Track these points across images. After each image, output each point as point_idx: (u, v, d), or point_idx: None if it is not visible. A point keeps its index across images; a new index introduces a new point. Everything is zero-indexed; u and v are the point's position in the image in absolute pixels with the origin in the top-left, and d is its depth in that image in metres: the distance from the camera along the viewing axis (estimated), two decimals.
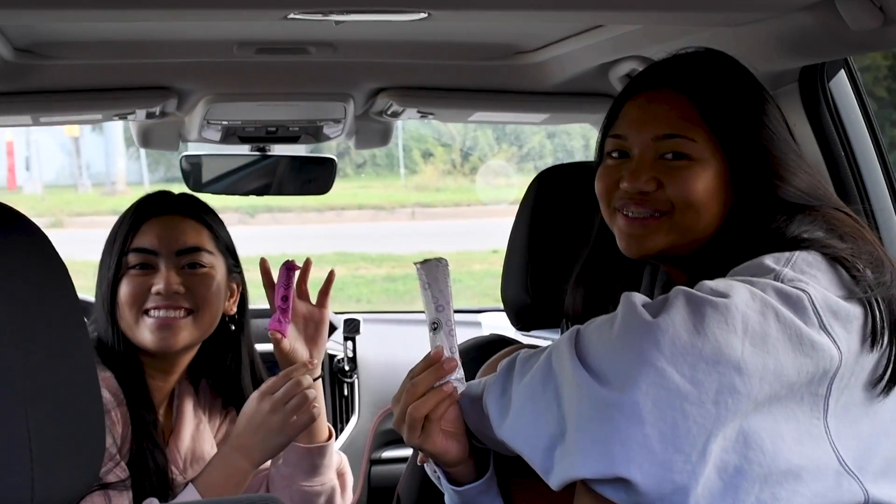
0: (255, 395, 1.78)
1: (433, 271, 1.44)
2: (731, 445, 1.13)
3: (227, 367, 1.95)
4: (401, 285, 9.83)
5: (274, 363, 1.87)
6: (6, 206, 1.01)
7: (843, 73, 1.82)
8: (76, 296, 1.03)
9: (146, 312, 1.80)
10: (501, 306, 2.03)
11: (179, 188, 2.01)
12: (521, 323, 1.98)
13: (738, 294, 1.14)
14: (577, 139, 13.11)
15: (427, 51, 2.12)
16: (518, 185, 11.84)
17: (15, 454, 0.94)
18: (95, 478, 1.08)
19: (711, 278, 1.33)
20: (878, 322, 1.21)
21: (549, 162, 12.95)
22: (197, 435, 1.91)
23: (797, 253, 1.24)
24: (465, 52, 2.13)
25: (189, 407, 1.91)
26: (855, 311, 1.20)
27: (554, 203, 1.93)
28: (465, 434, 1.43)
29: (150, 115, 2.32)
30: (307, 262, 1.93)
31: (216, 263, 1.88)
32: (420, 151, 13.02)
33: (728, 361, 1.10)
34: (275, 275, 1.86)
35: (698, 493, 1.12)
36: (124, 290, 1.81)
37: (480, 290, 9.43)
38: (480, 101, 2.34)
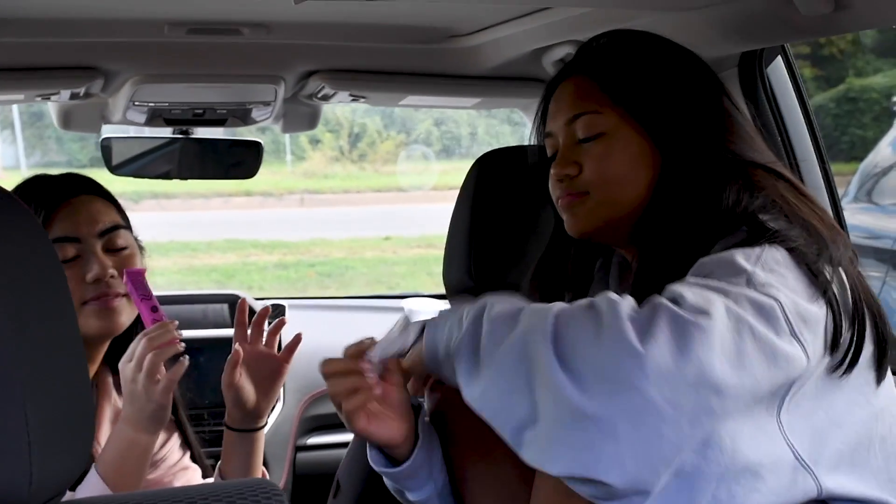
0: (120, 366, 1.67)
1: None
2: (693, 447, 1.14)
3: None
4: (293, 272, 9.75)
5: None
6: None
7: (779, 59, 1.88)
8: (66, 281, 1.00)
9: (84, 303, 1.73)
10: (395, 293, 2.04)
11: (57, 172, 1.90)
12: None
13: (718, 312, 1.14)
14: (465, 127, 13.20)
15: (361, 33, 2.10)
16: (438, 171, 11.88)
17: (13, 440, 0.91)
18: (87, 462, 1.05)
19: (658, 252, 1.38)
20: (839, 323, 1.24)
21: (437, 149, 13.01)
22: (115, 421, 1.86)
23: (765, 249, 1.25)
24: (400, 34, 2.12)
25: (107, 394, 1.86)
26: (820, 312, 1.22)
27: (494, 187, 1.94)
28: (401, 416, 1.45)
29: (73, 96, 2.24)
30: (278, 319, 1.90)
31: (131, 241, 1.83)
32: (307, 138, 12.88)
33: (708, 383, 1.11)
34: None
35: (655, 492, 1.13)
36: None
37: (374, 276, 9.44)
38: (413, 84, 2.33)
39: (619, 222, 1.45)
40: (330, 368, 1.39)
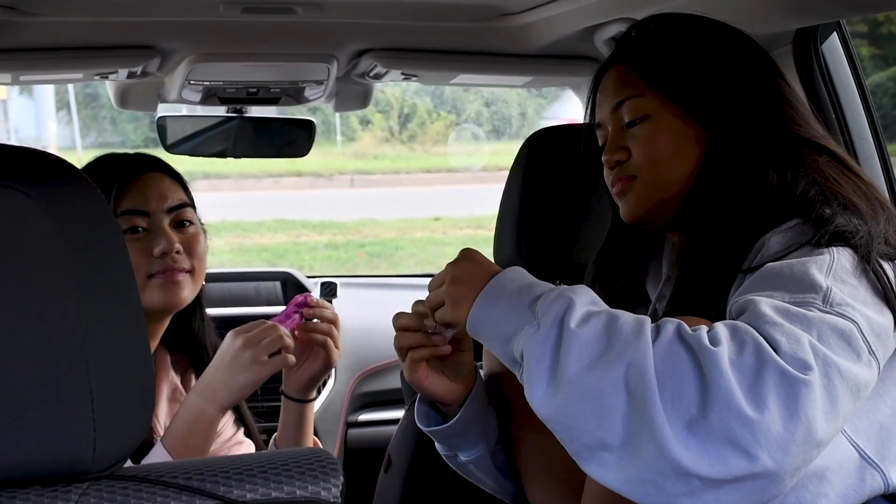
0: (230, 334, 1.70)
1: None
2: None
3: (194, 329, 1.92)
4: (343, 252, 9.80)
5: (222, 327, 1.86)
6: (60, 158, 1.00)
7: (835, 35, 1.86)
8: (126, 249, 1.03)
9: (150, 276, 1.77)
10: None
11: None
12: None
13: (813, 361, 1.10)
14: (515, 107, 13.15)
15: (413, 11, 2.11)
16: (489, 152, 11.86)
17: (77, 406, 0.94)
18: (148, 430, 1.08)
19: (703, 235, 1.38)
20: None
21: (487, 129, 12.98)
22: (174, 399, 1.89)
23: (834, 256, 1.23)
24: (452, 13, 2.13)
25: (165, 372, 1.89)
26: (889, 323, 1.21)
27: (545, 166, 1.94)
28: (460, 379, 1.47)
29: (131, 75, 2.28)
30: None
31: (196, 219, 1.86)
32: (358, 118, 12.92)
33: (813, 440, 1.09)
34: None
35: None
36: None
37: (423, 257, 9.46)
38: (464, 63, 2.34)
39: (667, 204, 1.45)
40: (400, 323, 1.42)
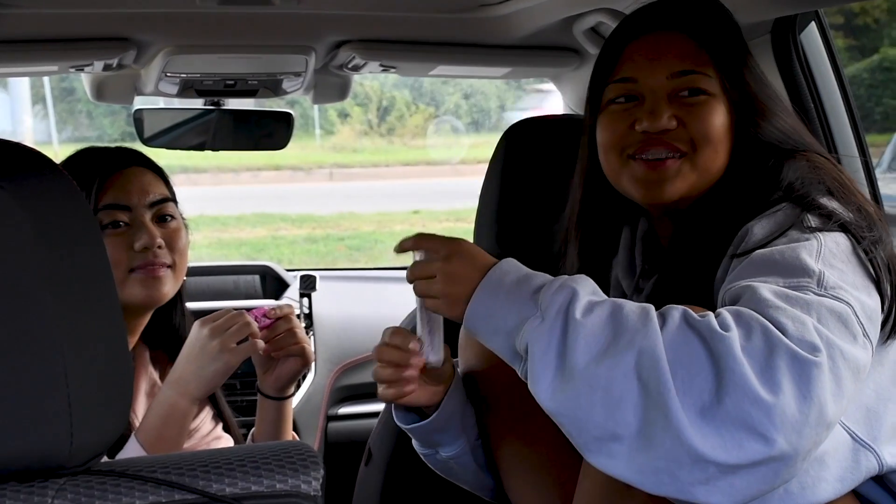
0: (196, 323, 1.70)
1: None
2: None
3: (175, 324, 1.91)
4: (322, 246, 9.78)
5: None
6: (37, 151, 0.99)
7: (813, 25, 1.86)
8: (102, 243, 1.02)
9: (131, 270, 1.76)
10: None
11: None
12: None
13: (819, 343, 1.11)
14: (493, 100, 13.15)
15: (391, 2, 2.09)
16: (468, 145, 11.83)
17: (54, 401, 0.93)
18: (125, 425, 1.07)
19: (698, 225, 1.37)
20: (892, 313, 1.25)
21: (465, 122, 12.97)
22: (153, 395, 1.88)
23: (821, 240, 1.23)
24: (430, 3, 2.12)
25: (143, 368, 1.88)
26: (877, 304, 1.22)
27: (524, 158, 1.93)
28: (439, 380, 1.47)
29: (107, 67, 2.26)
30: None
31: (178, 214, 1.85)
32: (336, 111, 12.89)
33: (825, 422, 1.09)
34: None
35: None
36: None
37: None
38: (443, 54, 2.32)
39: (696, 193, 1.41)
40: (387, 357, 1.41)
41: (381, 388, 1.43)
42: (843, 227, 1.26)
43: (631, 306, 1.16)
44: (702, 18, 1.44)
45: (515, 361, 1.22)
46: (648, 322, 1.13)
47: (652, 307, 1.16)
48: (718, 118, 1.39)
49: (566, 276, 1.22)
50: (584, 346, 1.13)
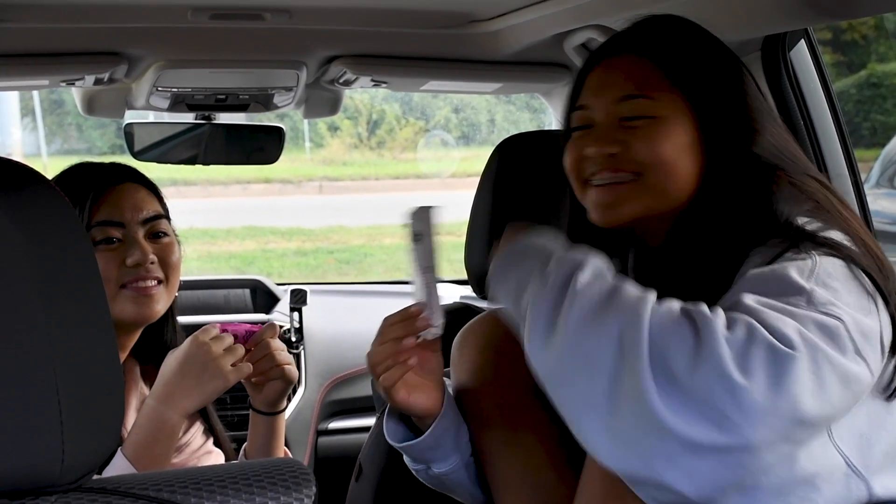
0: (191, 338, 1.69)
1: (426, 218, 1.44)
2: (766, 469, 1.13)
3: (166, 339, 1.90)
4: (311, 259, 9.77)
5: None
6: (26, 165, 0.98)
7: (803, 43, 1.87)
8: (94, 258, 1.01)
9: (122, 286, 1.75)
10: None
11: (77, 160, 1.89)
12: (483, 291, 2.00)
13: (800, 341, 1.12)
14: (484, 114, 13.17)
15: (382, 18, 2.10)
16: (458, 158, 11.82)
17: (45, 419, 0.93)
18: (117, 442, 1.06)
19: (690, 246, 1.35)
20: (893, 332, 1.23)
21: (455, 136, 12.99)
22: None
23: (816, 261, 1.22)
24: (421, 19, 2.12)
25: (134, 384, 1.87)
26: (875, 325, 1.21)
27: (516, 173, 1.94)
28: (438, 384, 1.47)
29: (98, 82, 2.26)
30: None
31: (171, 231, 1.85)
32: (326, 125, 12.88)
33: (797, 418, 1.10)
34: None
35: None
36: None
37: (392, 264, 9.44)
38: (434, 69, 2.34)
39: (660, 215, 1.39)
40: (392, 328, 1.42)
41: (381, 376, 1.42)
42: (838, 250, 1.25)
43: (633, 286, 1.20)
44: (657, 39, 1.43)
45: (522, 325, 1.26)
46: (645, 300, 1.17)
47: (653, 291, 1.19)
48: (668, 140, 1.37)
49: (581, 249, 1.28)
50: (576, 311, 1.18)
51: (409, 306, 1.42)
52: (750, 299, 1.17)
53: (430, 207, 1.44)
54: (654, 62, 1.40)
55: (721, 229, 1.34)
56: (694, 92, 1.38)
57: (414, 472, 1.59)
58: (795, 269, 1.20)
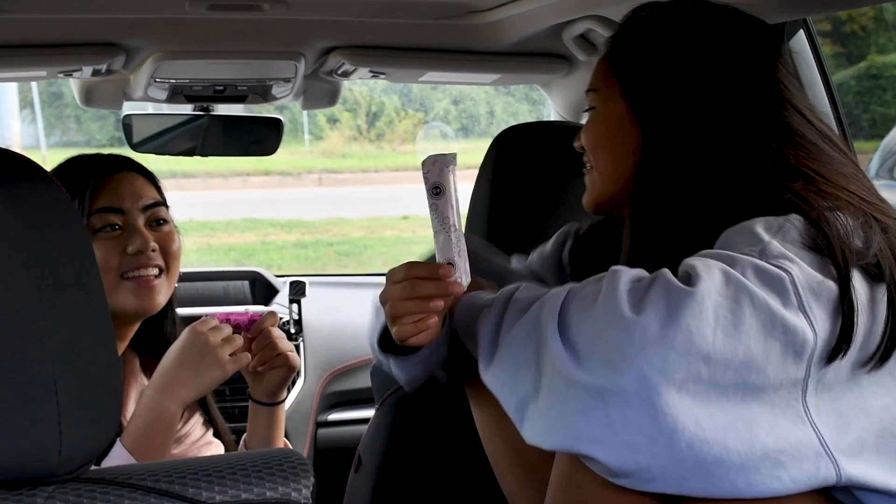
0: (191, 331, 1.69)
1: (445, 168, 1.31)
2: (709, 435, 1.12)
3: (166, 331, 1.91)
4: (311, 251, 9.76)
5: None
6: (24, 156, 0.98)
7: (801, 33, 1.87)
8: (91, 249, 1.01)
9: (123, 276, 1.75)
10: None
11: (76, 152, 1.89)
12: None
13: (714, 280, 1.13)
14: (483, 105, 13.15)
15: (381, 9, 2.10)
16: (457, 150, 11.80)
17: (43, 410, 0.93)
18: (114, 433, 1.07)
19: (651, 218, 1.37)
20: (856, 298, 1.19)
21: (455, 128, 12.98)
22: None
23: (789, 219, 1.23)
24: (420, 10, 2.12)
25: (133, 375, 1.88)
26: (834, 288, 1.18)
27: (514, 164, 1.94)
28: (440, 324, 1.40)
29: (96, 73, 2.26)
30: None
31: (170, 219, 1.85)
32: (325, 117, 12.88)
33: (696, 351, 1.10)
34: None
35: (667, 474, 1.13)
36: (96, 255, 1.74)
37: (392, 256, 9.43)
38: (433, 60, 2.33)
39: (615, 198, 1.46)
40: (417, 272, 1.35)
41: (398, 326, 1.35)
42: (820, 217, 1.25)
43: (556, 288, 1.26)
44: (617, 35, 1.48)
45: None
46: (569, 287, 1.22)
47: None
48: (596, 126, 1.46)
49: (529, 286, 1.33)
50: (512, 318, 1.24)
51: (439, 264, 1.35)
52: (692, 257, 1.20)
53: (447, 155, 1.32)
54: (607, 59, 1.48)
55: (665, 206, 1.36)
56: (627, 83, 1.43)
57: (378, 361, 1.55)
58: (763, 224, 1.23)
